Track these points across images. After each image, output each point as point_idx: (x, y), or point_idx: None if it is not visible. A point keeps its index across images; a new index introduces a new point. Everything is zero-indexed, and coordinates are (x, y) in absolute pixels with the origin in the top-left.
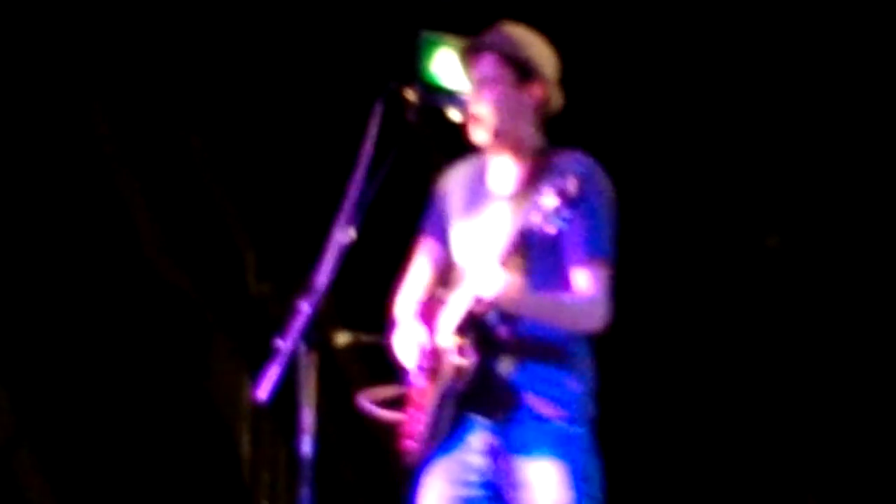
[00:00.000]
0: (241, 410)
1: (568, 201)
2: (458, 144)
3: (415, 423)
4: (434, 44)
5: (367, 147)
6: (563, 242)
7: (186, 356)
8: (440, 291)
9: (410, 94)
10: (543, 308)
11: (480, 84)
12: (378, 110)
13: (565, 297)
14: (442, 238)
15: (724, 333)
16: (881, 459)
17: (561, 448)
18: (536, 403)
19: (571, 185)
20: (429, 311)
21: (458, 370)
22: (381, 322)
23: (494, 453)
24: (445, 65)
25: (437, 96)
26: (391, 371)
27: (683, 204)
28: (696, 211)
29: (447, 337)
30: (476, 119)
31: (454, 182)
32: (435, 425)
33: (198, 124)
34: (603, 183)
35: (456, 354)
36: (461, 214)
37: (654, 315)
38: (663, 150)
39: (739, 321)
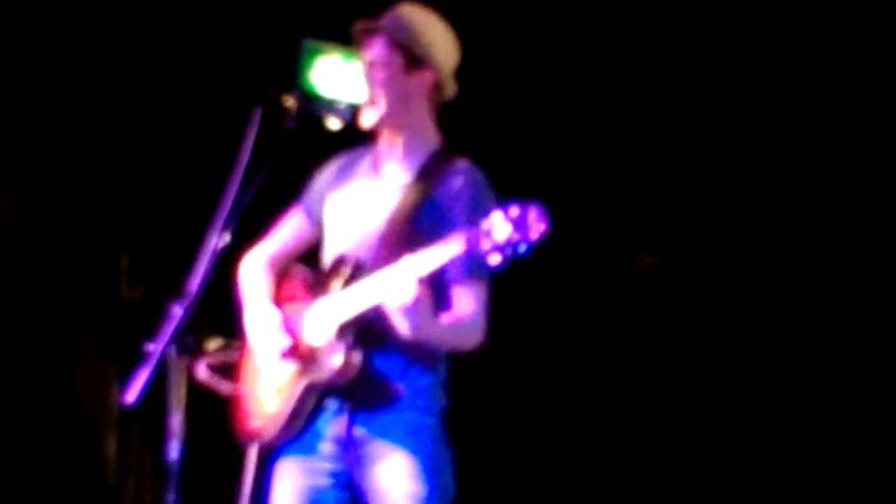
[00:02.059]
0: (108, 414)
1: (526, 235)
2: (335, 153)
3: (260, 404)
4: (314, 52)
5: (245, 153)
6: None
7: (55, 357)
8: (304, 271)
9: (289, 102)
10: (438, 333)
11: (371, 67)
12: (256, 116)
13: (452, 322)
14: (311, 214)
15: (595, 355)
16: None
17: (413, 438)
18: (395, 393)
19: (532, 218)
20: (287, 287)
21: (342, 371)
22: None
23: (345, 441)
24: (325, 73)
25: (316, 104)
26: None
27: (557, 222)
28: (570, 230)
29: (329, 332)
30: (364, 105)
31: (337, 163)
32: (296, 414)
33: (74, 124)
34: (492, 200)
35: (341, 353)
36: (340, 192)
37: (528, 332)
38: (538, 170)
39: (612, 339)
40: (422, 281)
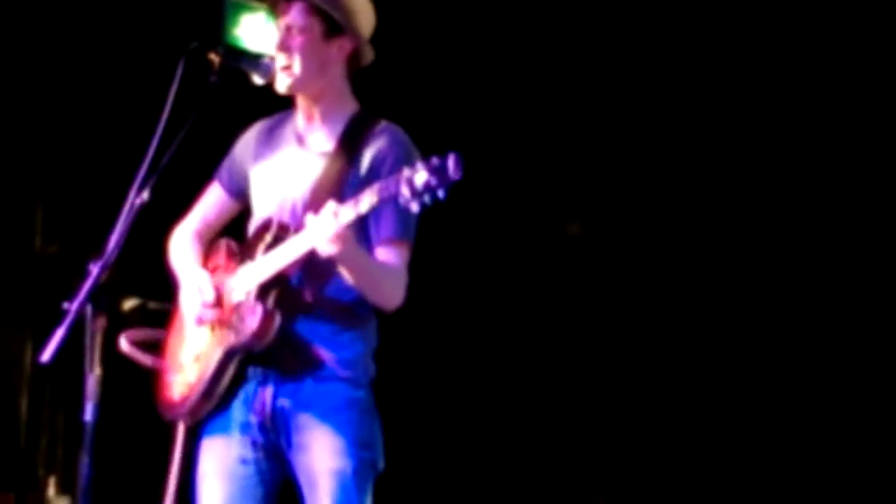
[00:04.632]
0: (21, 373)
1: (445, 181)
2: (260, 108)
3: (180, 373)
4: (239, 7)
5: (167, 108)
6: (372, 217)
7: None
8: (229, 241)
9: (213, 56)
10: (368, 269)
11: (288, 32)
12: (180, 71)
13: (381, 264)
14: (231, 187)
15: (524, 319)
16: (668, 458)
17: (341, 412)
18: (321, 361)
19: (452, 165)
20: (213, 258)
21: (259, 331)
22: (171, 289)
23: (270, 413)
24: (250, 28)
25: (241, 59)
26: None
27: (485, 190)
28: (498, 197)
29: (247, 293)
30: (278, 69)
31: (257, 133)
32: (215, 382)
33: None
34: (417, 157)
35: (259, 313)
36: (264, 163)
37: (455, 302)
38: (467, 139)
39: (540, 307)
40: (347, 227)
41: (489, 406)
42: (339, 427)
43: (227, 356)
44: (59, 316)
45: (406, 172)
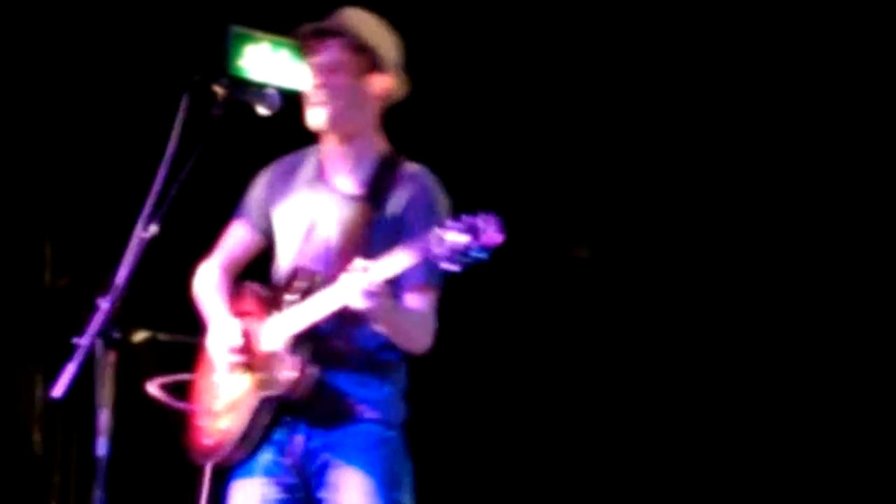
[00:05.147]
0: (33, 408)
1: (481, 242)
2: (264, 140)
3: (214, 420)
4: (243, 38)
5: (173, 141)
6: None
7: None
8: (257, 287)
9: (217, 89)
10: (400, 319)
11: (323, 70)
12: (184, 104)
13: (412, 313)
14: (257, 224)
15: (534, 343)
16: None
17: (371, 453)
18: (352, 408)
19: (486, 226)
20: (241, 303)
21: (296, 384)
22: (182, 321)
23: (301, 456)
24: (254, 59)
25: (245, 91)
26: (190, 370)
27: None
28: (505, 221)
29: (282, 345)
30: (313, 105)
31: (280, 172)
32: (250, 430)
33: None
34: (446, 205)
35: (296, 367)
36: (287, 202)
37: (463, 325)
38: (471, 161)
39: (549, 331)
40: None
41: (499, 431)
42: (370, 467)
43: (263, 406)
44: (70, 350)
45: (440, 231)
